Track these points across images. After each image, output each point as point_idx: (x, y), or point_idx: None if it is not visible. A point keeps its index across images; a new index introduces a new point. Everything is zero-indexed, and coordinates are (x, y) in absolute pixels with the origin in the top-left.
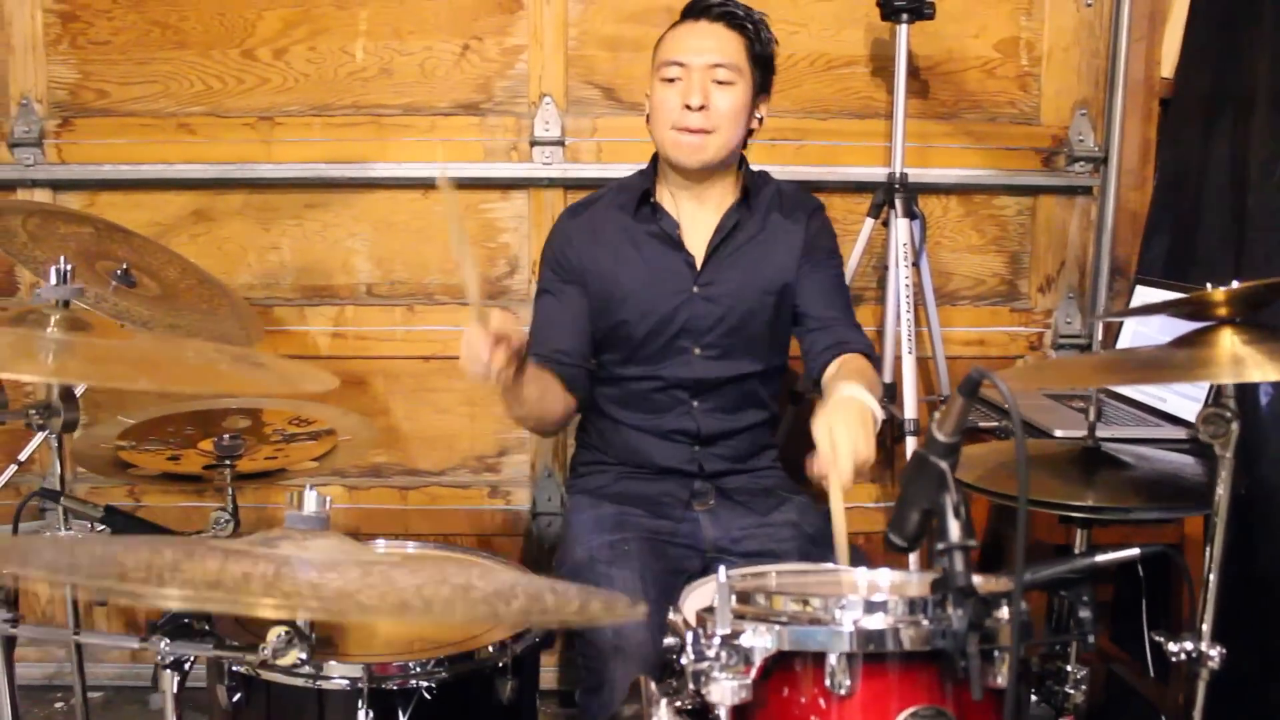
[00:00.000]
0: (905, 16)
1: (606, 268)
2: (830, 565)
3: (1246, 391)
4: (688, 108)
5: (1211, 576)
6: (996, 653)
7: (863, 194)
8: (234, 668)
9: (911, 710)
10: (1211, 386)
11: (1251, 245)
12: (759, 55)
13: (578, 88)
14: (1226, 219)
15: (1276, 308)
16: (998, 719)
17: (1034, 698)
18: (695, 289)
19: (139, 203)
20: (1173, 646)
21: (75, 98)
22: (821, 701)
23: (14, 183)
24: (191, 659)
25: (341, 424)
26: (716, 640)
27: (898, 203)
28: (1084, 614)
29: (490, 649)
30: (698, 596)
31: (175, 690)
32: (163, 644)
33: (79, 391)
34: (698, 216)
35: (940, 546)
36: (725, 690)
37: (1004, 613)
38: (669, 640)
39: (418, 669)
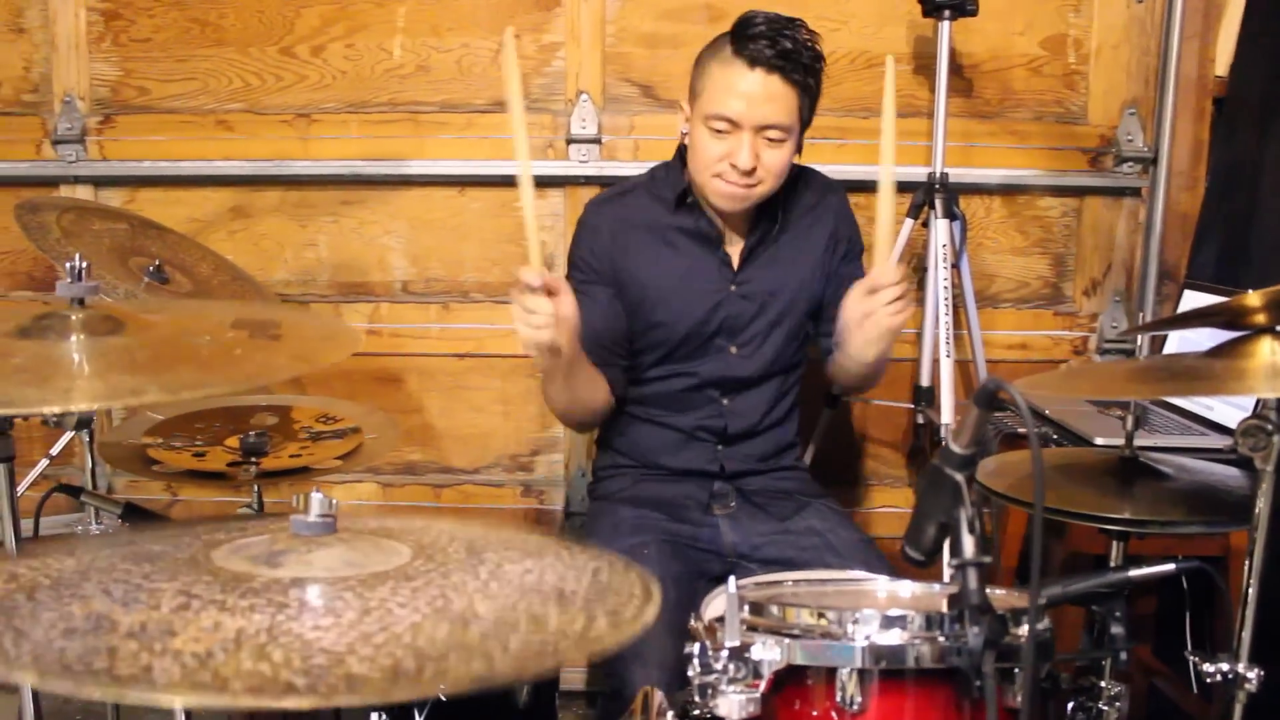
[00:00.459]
0: (947, 13)
1: (641, 268)
2: (851, 574)
3: None
4: (734, 167)
5: (1251, 593)
6: (1019, 671)
7: (903, 194)
8: None
9: None
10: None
11: None
12: (812, 100)
13: (615, 85)
14: None
15: None
16: None
17: (1078, 714)
18: (733, 287)
19: (178, 199)
20: (1209, 667)
21: (117, 95)
22: (833, 716)
23: (57, 179)
24: None
25: (367, 422)
26: (724, 652)
27: (937, 203)
28: (1116, 630)
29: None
30: (719, 604)
31: None
32: None
33: None
34: (731, 216)
35: (954, 563)
36: (733, 703)
37: (1039, 627)
38: (689, 648)
39: None
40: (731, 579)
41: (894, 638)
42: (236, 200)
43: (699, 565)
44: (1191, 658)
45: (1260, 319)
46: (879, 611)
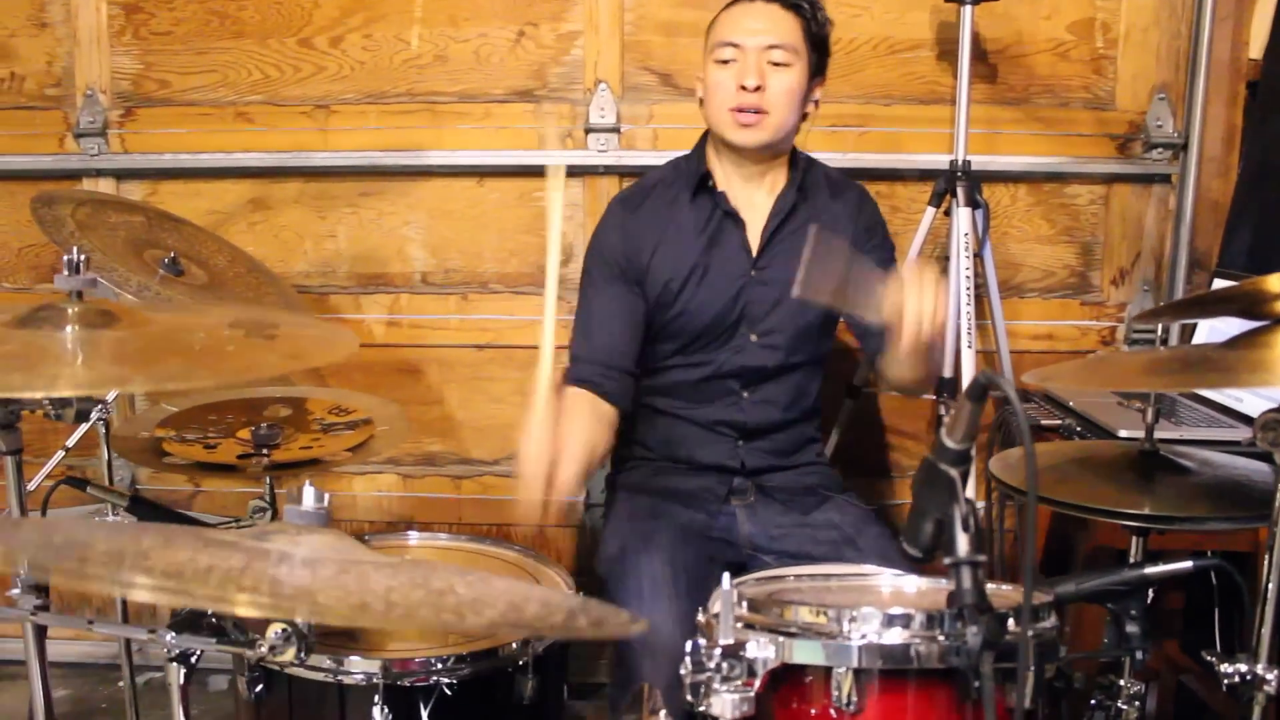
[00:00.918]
0: None
1: (667, 262)
2: (858, 569)
3: None
4: (743, 89)
5: (1271, 591)
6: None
7: (926, 182)
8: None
9: None
10: None
11: None
12: (815, 36)
13: (634, 74)
14: None
15: None
16: None
17: (1097, 713)
18: (754, 272)
19: (198, 191)
20: (1226, 667)
21: (138, 88)
22: (830, 716)
23: (79, 172)
24: (199, 652)
25: (380, 414)
26: (718, 650)
27: (959, 191)
28: (1132, 629)
29: (513, 646)
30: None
31: (182, 681)
32: (168, 636)
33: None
34: (753, 200)
35: (947, 561)
36: (726, 703)
37: (1042, 627)
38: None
39: (439, 665)
40: (726, 575)
41: (892, 637)
42: (256, 192)
43: (713, 554)
44: (1208, 657)
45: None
46: (878, 609)
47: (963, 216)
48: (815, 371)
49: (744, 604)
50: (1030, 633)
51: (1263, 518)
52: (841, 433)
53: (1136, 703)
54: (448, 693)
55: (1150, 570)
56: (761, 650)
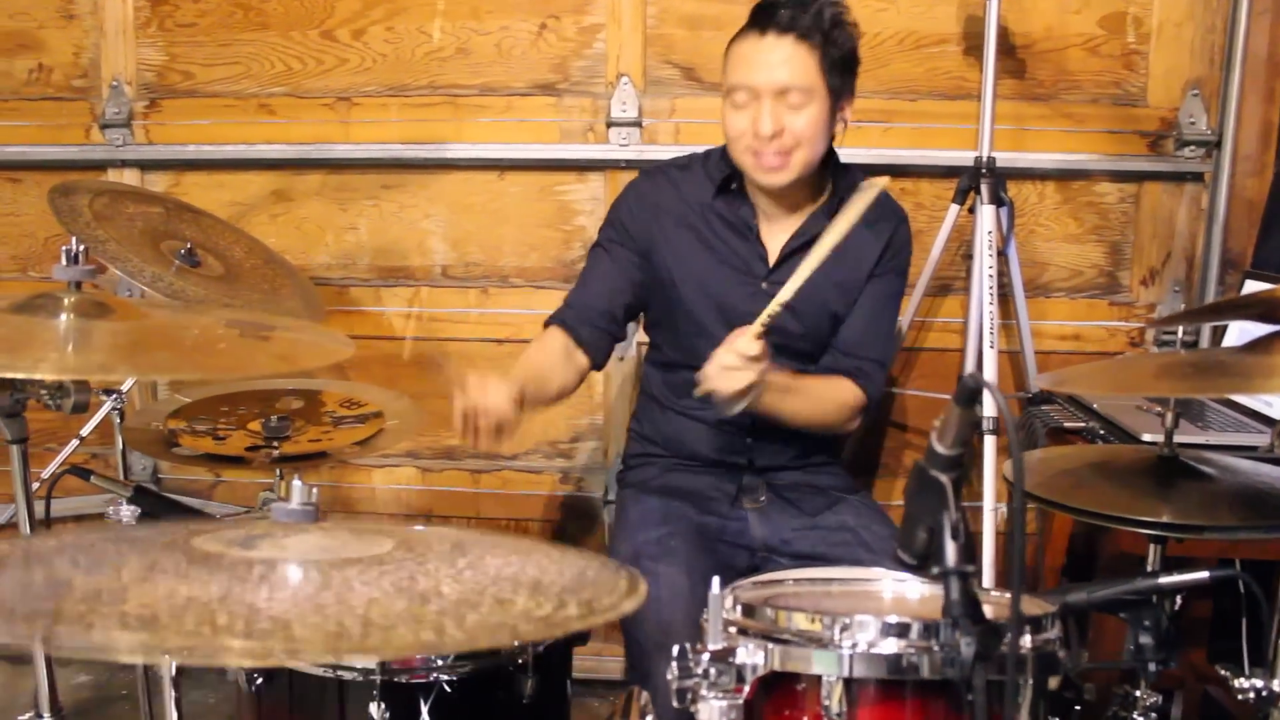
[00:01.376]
0: None
1: (675, 249)
2: (862, 572)
3: None
4: (757, 136)
5: None
6: (1026, 683)
7: (952, 179)
8: None
9: None
10: None
11: None
12: (836, 62)
13: (656, 67)
14: None
15: None
16: None
17: None
18: (764, 284)
19: (221, 183)
20: (1241, 683)
21: (162, 79)
22: None
23: (104, 163)
24: None
25: (391, 407)
26: (705, 656)
27: (984, 188)
28: (1144, 640)
29: (515, 644)
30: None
31: (174, 674)
32: None
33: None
34: (778, 211)
35: (935, 571)
36: (713, 709)
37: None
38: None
39: (439, 662)
40: (715, 579)
41: (885, 646)
42: (278, 184)
43: (726, 559)
44: (1225, 671)
45: None
46: (873, 617)
47: (986, 214)
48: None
49: (738, 608)
50: (1029, 644)
51: None
52: (860, 433)
53: (1153, 714)
54: (447, 690)
55: (1164, 580)
56: (751, 656)
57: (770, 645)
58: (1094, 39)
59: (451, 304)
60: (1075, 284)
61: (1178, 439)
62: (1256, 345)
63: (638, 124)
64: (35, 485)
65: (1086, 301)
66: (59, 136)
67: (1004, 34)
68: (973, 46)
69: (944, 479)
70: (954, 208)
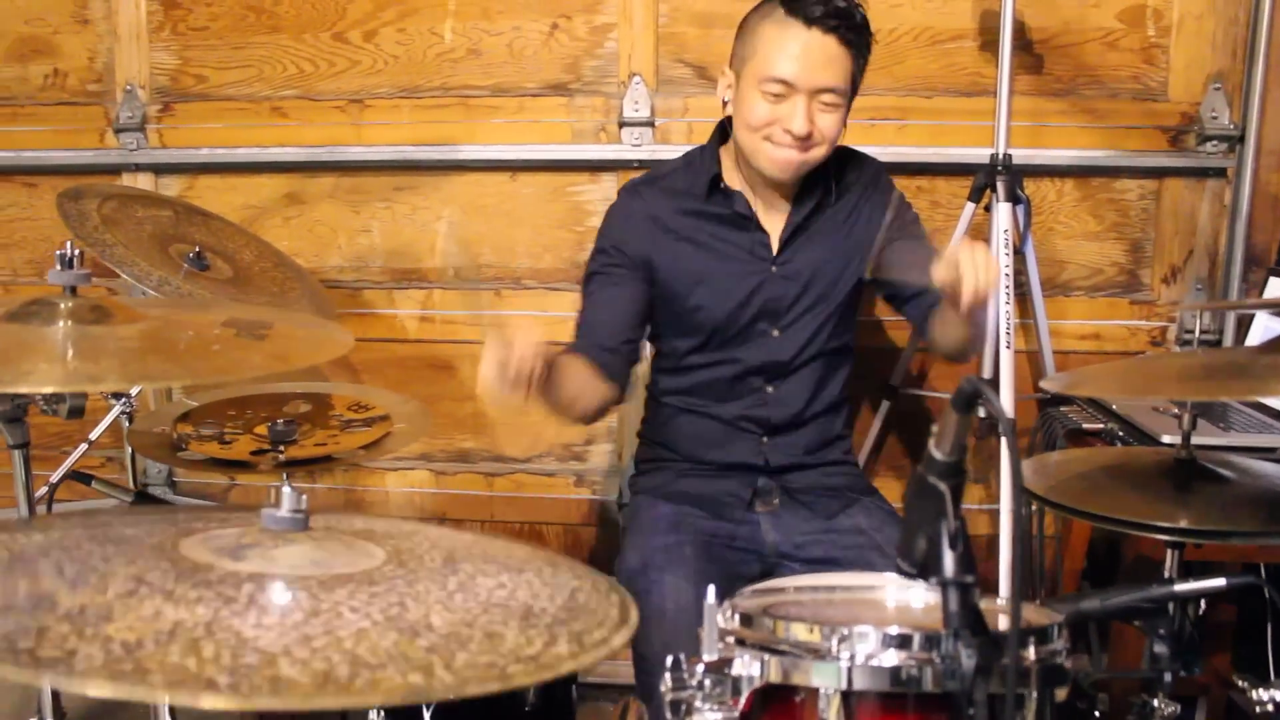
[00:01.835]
0: None
1: (675, 254)
2: (868, 578)
3: None
4: (789, 132)
5: None
6: (1031, 695)
7: (968, 176)
8: None
9: None
10: None
11: None
12: (862, 66)
13: (669, 67)
14: None
15: None
16: None
17: None
18: (774, 268)
19: (234, 186)
20: (1260, 694)
21: (176, 83)
22: None
23: (119, 167)
24: None
25: (399, 411)
26: (700, 667)
27: (999, 186)
28: (1159, 648)
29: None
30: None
31: None
32: None
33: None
34: (774, 194)
35: (933, 581)
36: None
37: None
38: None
39: None
40: (711, 588)
41: (884, 658)
42: (291, 187)
43: (737, 566)
44: (1242, 682)
45: None
46: (873, 628)
47: (1003, 212)
48: (840, 361)
49: (736, 617)
50: (1033, 656)
51: None
52: (879, 433)
53: None
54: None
55: (1180, 588)
56: (746, 668)
57: (767, 656)
58: (1113, 33)
59: (464, 306)
60: (1095, 282)
61: (1198, 440)
62: (1274, 345)
63: (650, 124)
64: (43, 490)
65: (1107, 300)
66: (74, 141)
67: (1021, 29)
68: (989, 42)
69: (942, 486)
70: (970, 206)
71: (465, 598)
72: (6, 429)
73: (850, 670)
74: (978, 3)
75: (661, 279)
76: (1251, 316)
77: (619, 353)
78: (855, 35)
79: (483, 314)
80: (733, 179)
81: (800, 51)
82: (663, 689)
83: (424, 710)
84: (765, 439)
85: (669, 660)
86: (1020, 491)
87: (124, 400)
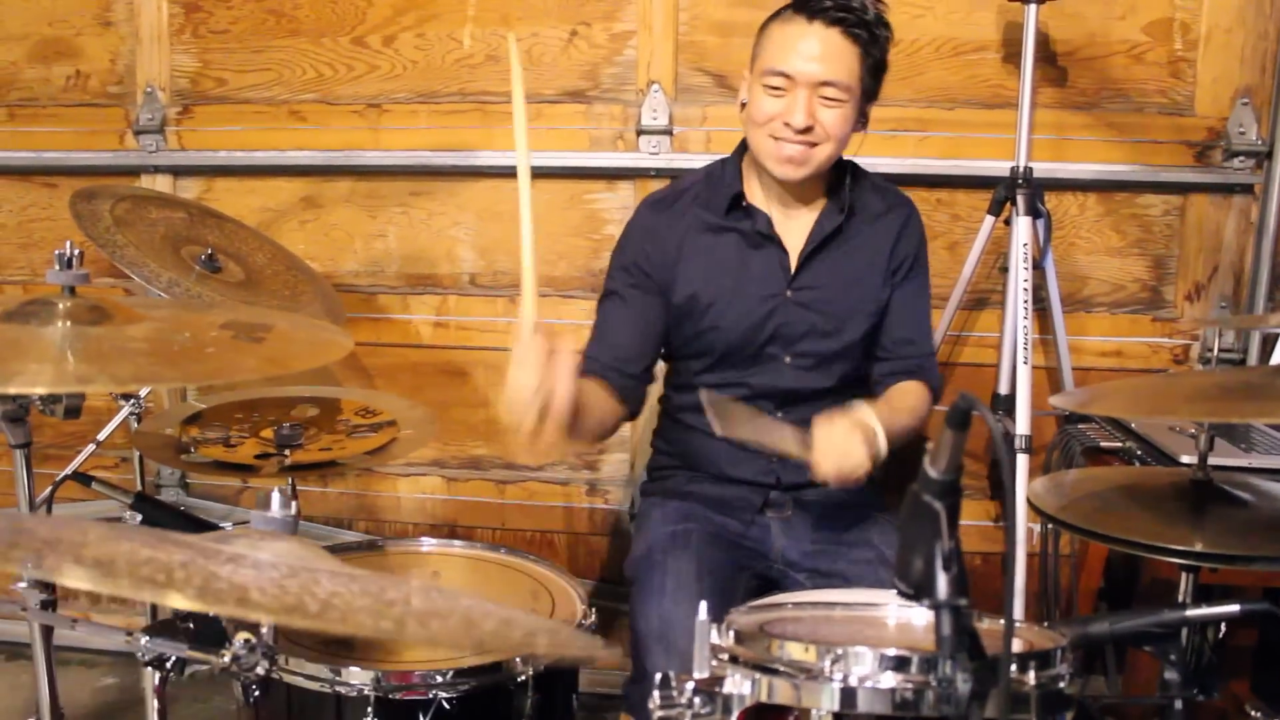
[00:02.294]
0: None
1: (694, 274)
2: (869, 596)
3: None
4: (788, 126)
5: None
6: None
7: (989, 189)
8: None
9: None
10: None
11: None
12: (873, 63)
13: (688, 75)
14: None
15: None
16: None
17: None
18: (789, 293)
19: (252, 189)
20: None
21: (196, 86)
22: None
23: (138, 168)
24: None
25: (406, 417)
26: (689, 686)
27: (1020, 199)
28: (1170, 674)
29: (517, 661)
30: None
31: (157, 685)
32: (142, 640)
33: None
34: (791, 214)
35: (926, 603)
36: None
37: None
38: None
39: (438, 679)
40: (703, 605)
41: (879, 680)
42: (308, 190)
43: (742, 560)
44: (1255, 712)
45: None
46: (869, 648)
47: (1022, 226)
48: (852, 392)
49: (730, 633)
50: (1033, 681)
51: None
52: (893, 450)
53: None
54: (446, 707)
55: (1192, 613)
56: (738, 687)
57: (758, 675)
58: (1139, 46)
59: (479, 312)
60: (1117, 298)
61: (1216, 461)
62: None
63: (668, 132)
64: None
65: (1129, 317)
66: (94, 142)
67: (1044, 41)
68: (1012, 54)
69: (938, 505)
70: (989, 219)
71: (445, 599)
72: (9, 429)
73: (844, 692)
74: (1001, 14)
75: (679, 297)
76: (1276, 335)
77: (639, 378)
78: (862, 30)
79: (497, 320)
80: (754, 195)
81: (802, 45)
82: (651, 706)
83: (420, 715)
84: (775, 460)
85: (658, 678)
86: (1014, 511)
87: (133, 401)
